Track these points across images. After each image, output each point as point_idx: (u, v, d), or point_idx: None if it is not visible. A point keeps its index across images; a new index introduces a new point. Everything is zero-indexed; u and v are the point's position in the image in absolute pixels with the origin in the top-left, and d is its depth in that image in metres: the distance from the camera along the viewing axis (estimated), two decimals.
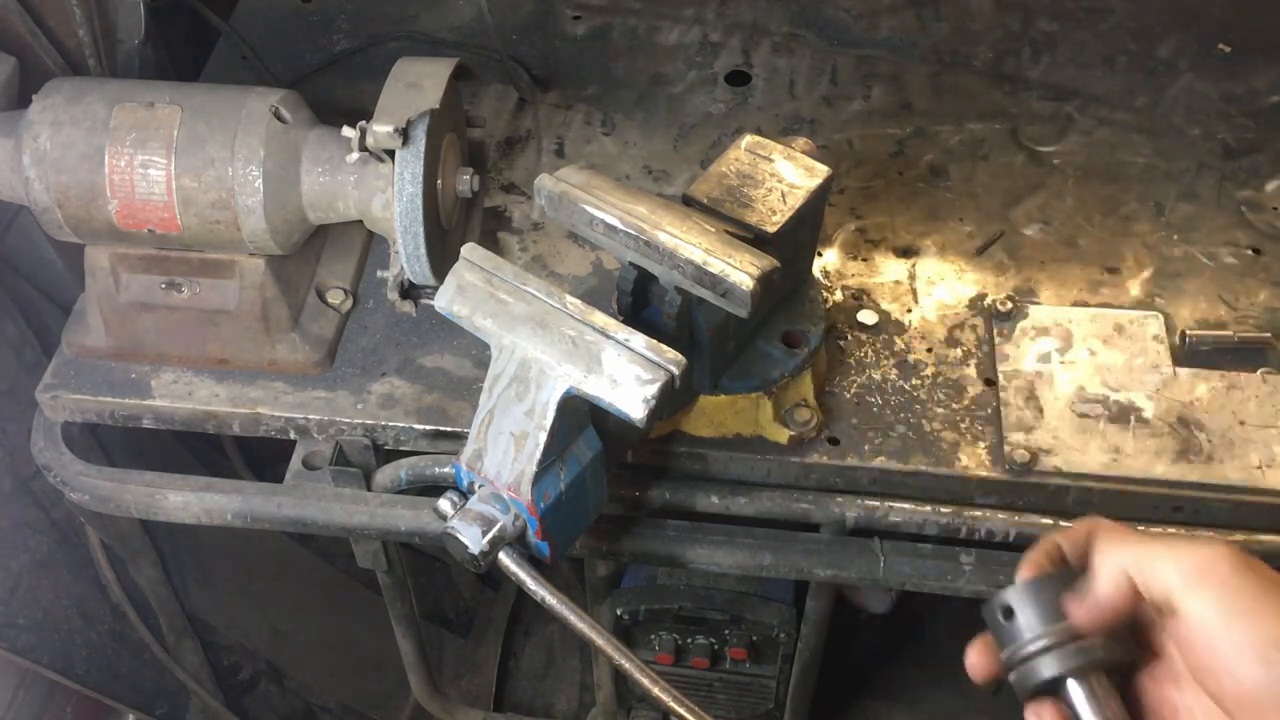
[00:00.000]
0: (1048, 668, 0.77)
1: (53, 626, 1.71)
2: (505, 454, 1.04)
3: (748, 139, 1.24)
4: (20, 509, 1.63)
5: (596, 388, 0.98)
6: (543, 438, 1.02)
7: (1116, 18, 1.73)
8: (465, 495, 1.07)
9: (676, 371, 0.97)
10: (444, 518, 1.06)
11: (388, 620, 1.73)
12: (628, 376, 0.97)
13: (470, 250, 1.07)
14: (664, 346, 0.99)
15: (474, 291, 1.04)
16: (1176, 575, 0.69)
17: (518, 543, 1.07)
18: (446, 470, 1.29)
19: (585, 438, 1.07)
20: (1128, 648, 0.77)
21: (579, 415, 1.06)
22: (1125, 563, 0.72)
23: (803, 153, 1.23)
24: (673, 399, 1.00)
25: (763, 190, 1.19)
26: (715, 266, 1.04)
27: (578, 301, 1.02)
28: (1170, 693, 0.76)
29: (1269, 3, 1.72)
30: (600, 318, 1.01)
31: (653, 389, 0.97)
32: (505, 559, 1.05)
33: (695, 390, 1.21)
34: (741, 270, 1.03)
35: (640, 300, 1.16)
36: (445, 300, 1.06)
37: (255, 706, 2.12)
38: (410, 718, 2.26)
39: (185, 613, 1.96)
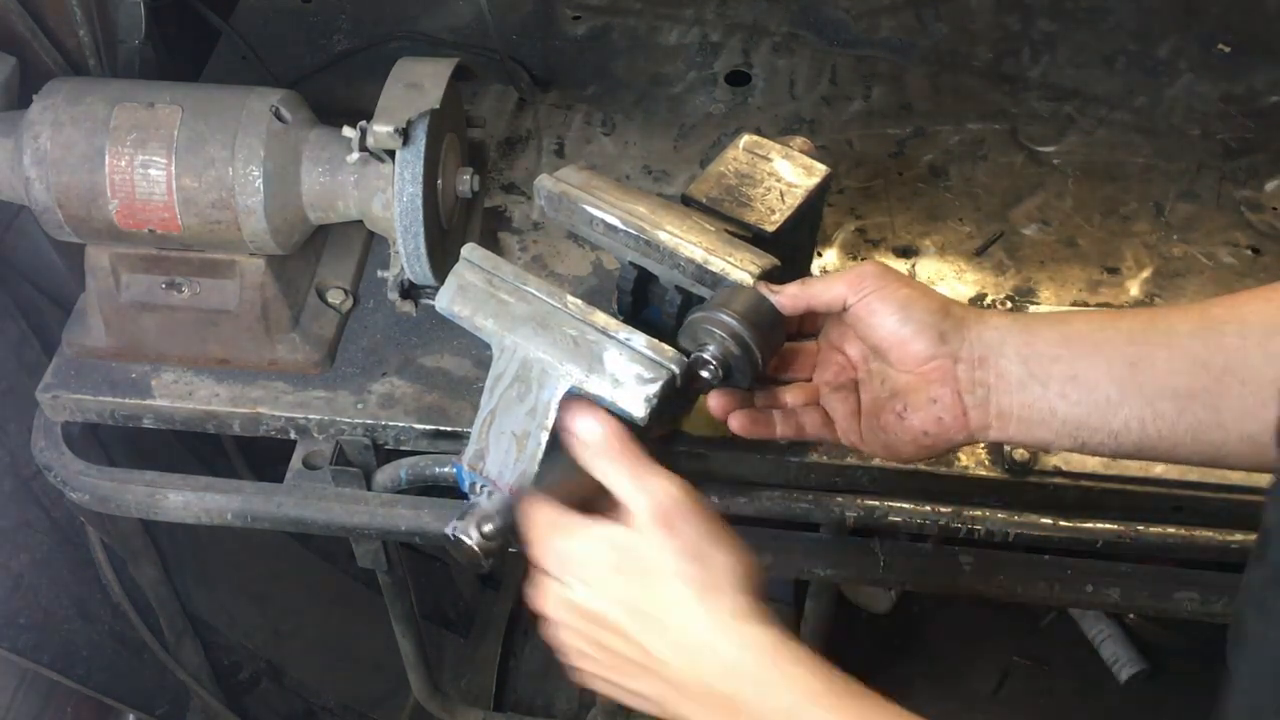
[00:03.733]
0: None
1: (53, 626, 1.71)
2: (507, 454, 1.04)
3: (745, 139, 1.24)
4: (20, 509, 1.63)
5: (598, 387, 0.98)
6: (544, 437, 1.02)
7: (1116, 18, 1.73)
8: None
9: (678, 370, 0.98)
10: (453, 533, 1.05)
11: (388, 620, 1.73)
12: (629, 376, 0.98)
13: (470, 250, 1.07)
14: (665, 346, 0.99)
15: (474, 292, 1.05)
16: (843, 286, 0.96)
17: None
18: (446, 470, 1.29)
19: None
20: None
21: None
22: (804, 289, 0.99)
23: (801, 152, 1.24)
24: (674, 398, 1.00)
25: (761, 190, 1.19)
26: (716, 265, 1.04)
27: (578, 301, 1.02)
28: (839, 353, 1.03)
29: (1269, 2, 1.73)
30: (601, 317, 1.01)
31: (654, 388, 0.97)
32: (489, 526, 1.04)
33: (687, 396, 1.21)
34: (742, 269, 1.03)
35: (640, 300, 1.16)
36: (446, 301, 1.06)
37: (255, 706, 2.12)
38: (410, 718, 2.26)
39: (185, 613, 1.96)
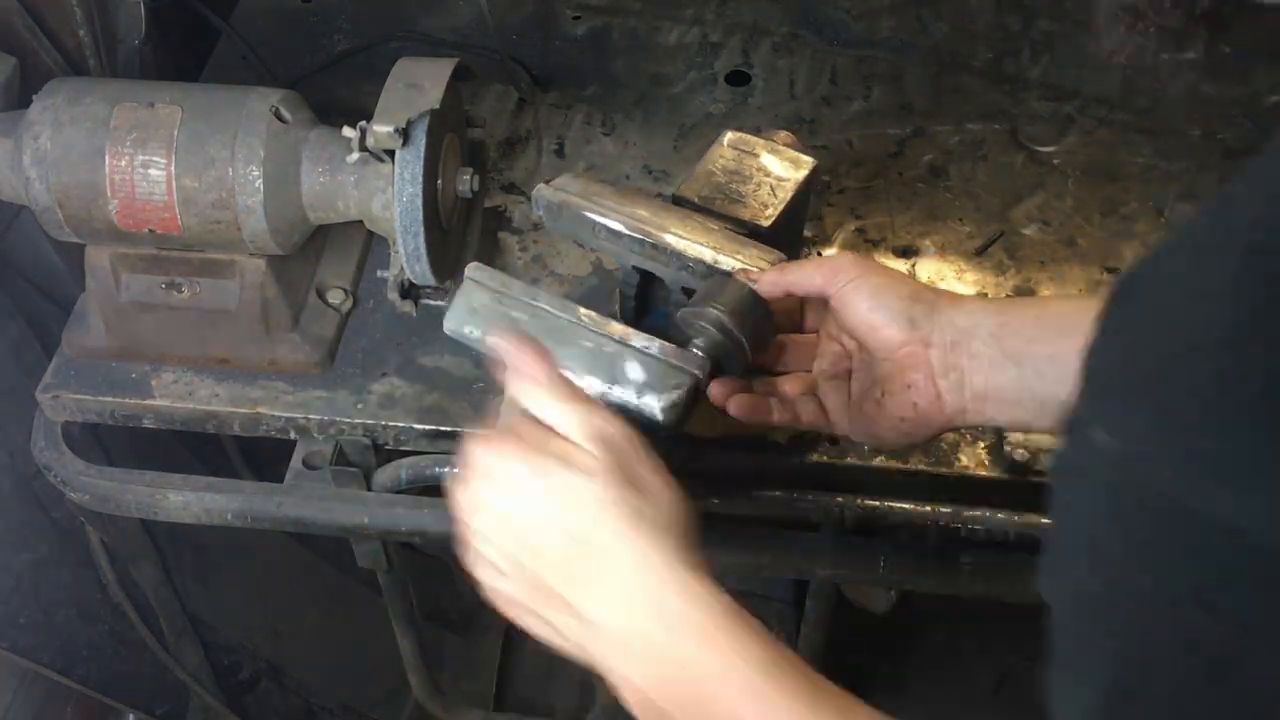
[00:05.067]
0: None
1: (53, 626, 1.71)
2: None
3: (729, 136, 1.24)
4: (20, 509, 1.62)
5: (622, 397, 0.98)
6: None
7: None
8: None
9: (700, 374, 0.98)
10: None
11: (388, 620, 1.73)
12: (653, 383, 0.98)
13: (475, 270, 1.06)
14: (685, 350, 1.00)
15: (485, 312, 1.04)
16: (820, 276, 0.98)
17: None
18: (447, 470, 1.29)
19: None
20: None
21: None
22: (782, 276, 1.01)
23: (785, 145, 1.24)
24: (697, 402, 1.00)
25: (751, 185, 1.19)
26: (727, 264, 1.04)
27: (592, 313, 1.02)
28: (836, 343, 1.05)
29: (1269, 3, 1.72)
30: (618, 327, 1.01)
31: (679, 393, 0.97)
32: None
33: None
34: (753, 266, 1.03)
35: (643, 304, 1.16)
36: (456, 323, 1.05)
37: (255, 706, 2.12)
38: (410, 718, 2.26)
39: (185, 613, 1.95)
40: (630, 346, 0.99)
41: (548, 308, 1.03)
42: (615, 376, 0.99)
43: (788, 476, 1.26)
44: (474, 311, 1.04)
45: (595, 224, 1.10)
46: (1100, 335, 0.55)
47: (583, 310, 1.02)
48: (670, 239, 1.07)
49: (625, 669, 0.76)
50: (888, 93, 1.64)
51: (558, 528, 0.79)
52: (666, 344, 1.00)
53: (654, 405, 0.97)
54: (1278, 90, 1.62)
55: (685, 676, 0.74)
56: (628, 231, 1.08)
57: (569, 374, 1.00)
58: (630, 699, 0.77)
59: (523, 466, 0.80)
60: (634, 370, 0.98)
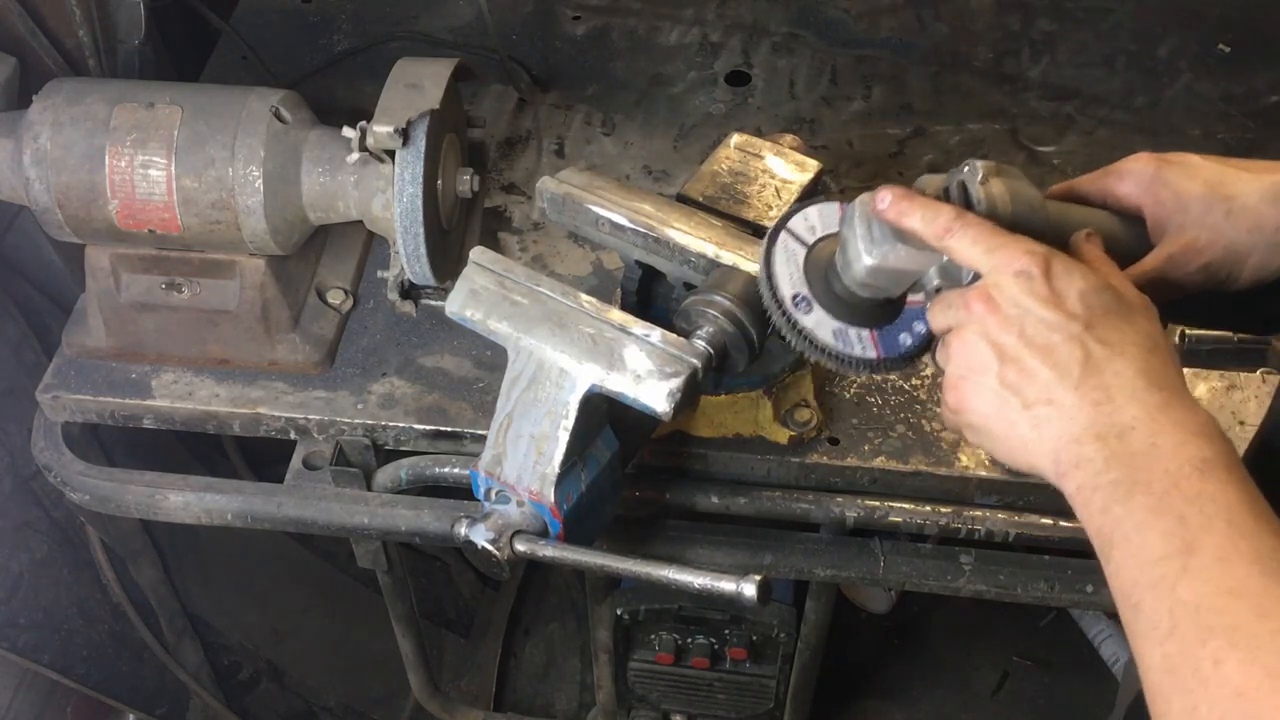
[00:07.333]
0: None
1: (53, 626, 1.71)
2: (526, 457, 1.03)
3: (736, 138, 1.24)
4: (20, 509, 1.63)
5: (619, 384, 0.98)
6: (565, 438, 1.01)
7: (1116, 18, 1.73)
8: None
9: (699, 364, 0.98)
10: (461, 537, 1.05)
11: (388, 620, 1.73)
12: (651, 371, 0.98)
13: (479, 254, 1.06)
14: (684, 340, 1.00)
15: (487, 295, 1.04)
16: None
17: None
18: (446, 470, 1.29)
19: (603, 438, 1.07)
20: None
21: (598, 414, 1.05)
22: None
23: (791, 149, 1.24)
24: (695, 392, 1.00)
25: (756, 186, 1.19)
26: (728, 259, 1.04)
27: (593, 300, 1.02)
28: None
29: (1269, 3, 1.73)
30: (618, 314, 1.01)
31: (677, 382, 0.97)
32: (522, 545, 1.03)
33: (701, 388, 1.21)
34: (755, 261, 1.03)
35: (645, 299, 1.16)
36: (457, 306, 1.05)
37: (255, 706, 2.12)
38: (410, 718, 2.26)
39: (185, 613, 1.96)
40: (630, 334, 0.99)
41: (549, 292, 1.03)
42: (613, 364, 0.99)
43: (788, 476, 1.26)
44: (475, 295, 1.04)
45: (599, 217, 1.10)
46: None
47: (584, 296, 1.02)
48: (673, 233, 1.07)
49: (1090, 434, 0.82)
50: (888, 93, 1.64)
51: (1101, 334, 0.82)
52: (667, 333, 1.00)
53: (651, 395, 0.97)
54: (1278, 90, 1.62)
55: (1158, 462, 0.78)
56: (631, 225, 1.08)
57: (567, 359, 1.00)
58: (1080, 470, 0.84)
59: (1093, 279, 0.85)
60: (633, 358, 0.98)
